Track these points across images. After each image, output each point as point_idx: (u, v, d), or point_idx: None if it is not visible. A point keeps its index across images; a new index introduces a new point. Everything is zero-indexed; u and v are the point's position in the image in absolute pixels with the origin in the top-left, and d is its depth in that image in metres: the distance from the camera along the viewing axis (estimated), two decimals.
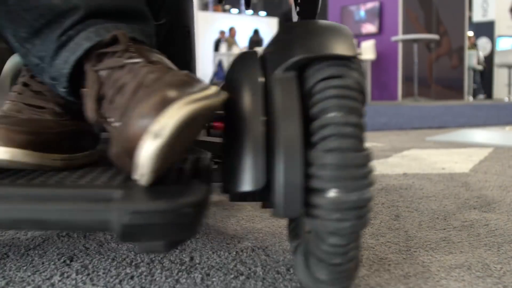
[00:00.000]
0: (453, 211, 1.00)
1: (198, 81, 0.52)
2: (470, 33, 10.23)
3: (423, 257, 0.73)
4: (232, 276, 0.65)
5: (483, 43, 11.26)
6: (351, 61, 0.55)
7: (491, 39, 11.24)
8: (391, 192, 1.19)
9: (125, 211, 0.46)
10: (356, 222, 0.49)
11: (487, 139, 2.45)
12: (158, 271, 0.67)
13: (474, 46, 10.40)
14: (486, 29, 11.24)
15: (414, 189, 1.22)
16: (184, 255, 0.73)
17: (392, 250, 0.76)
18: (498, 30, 11.22)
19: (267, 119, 0.56)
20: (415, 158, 1.79)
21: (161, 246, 0.49)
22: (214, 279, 0.65)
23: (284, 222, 0.91)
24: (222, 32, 10.65)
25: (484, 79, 10.91)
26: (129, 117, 0.48)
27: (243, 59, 0.63)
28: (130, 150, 0.48)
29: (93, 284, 0.63)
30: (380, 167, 1.59)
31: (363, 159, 0.50)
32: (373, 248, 0.77)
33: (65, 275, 0.66)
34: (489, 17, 11.28)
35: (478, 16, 11.48)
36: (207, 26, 12.38)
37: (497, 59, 9.72)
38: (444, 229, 0.87)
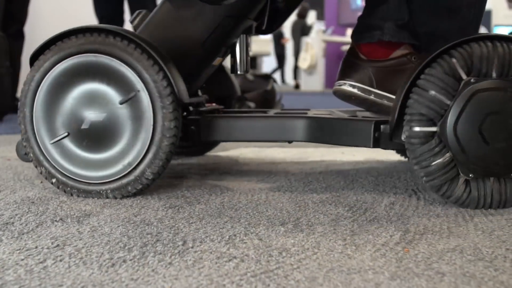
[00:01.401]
0: None
1: None
2: None
3: (416, 241, 0.73)
4: (225, 259, 0.66)
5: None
6: None
7: (488, 29, 11.23)
8: (385, 178, 1.19)
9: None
10: None
11: None
12: (151, 254, 0.67)
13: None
14: (483, 18, 11.22)
15: (408, 175, 1.23)
16: (177, 239, 0.73)
17: (385, 234, 0.76)
18: (495, 19, 11.21)
19: None
20: None
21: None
22: (206, 262, 0.65)
23: (277, 208, 0.91)
24: None
25: None
26: None
27: None
28: None
29: (87, 268, 0.63)
30: (375, 154, 1.59)
31: None
32: (367, 231, 0.77)
33: (58, 258, 0.66)
34: (486, 6, 11.25)
35: None
36: None
37: None
38: (438, 215, 0.87)
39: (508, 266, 0.64)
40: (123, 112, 0.96)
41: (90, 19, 3.23)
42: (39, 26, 5.48)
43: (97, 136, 0.97)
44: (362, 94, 1.10)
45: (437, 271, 0.62)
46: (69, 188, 0.99)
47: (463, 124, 0.87)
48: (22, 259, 0.66)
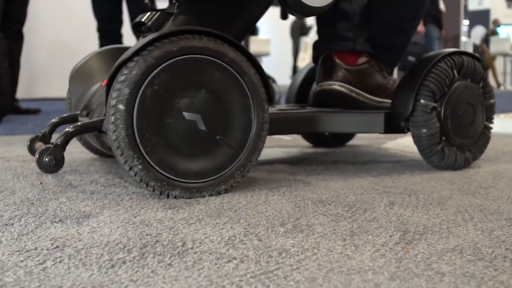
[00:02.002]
0: (447, 197, 1.00)
1: None
2: (465, 22, 10.23)
3: (415, 241, 0.73)
4: (224, 260, 0.66)
5: (479, 32, 11.25)
6: None
7: (486, 28, 11.23)
8: (385, 178, 1.19)
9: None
10: None
11: None
12: (151, 255, 0.67)
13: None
14: (482, 17, 11.23)
15: (408, 175, 1.23)
16: (176, 240, 0.73)
17: (385, 234, 0.76)
18: (493, 18, 11.20)
19: None
20: (410, 145, 1.79)
21: None
22: (206, 263, 0.65)
23: (276, 208, 0.92)
24: None
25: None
26: None
27: None
28: None
29: (86, 269, 0.63)
30: (374, 154, 1.59)
31: None
32: (366, 232, 0.77)
33: (58, 260, 0.66)
34: (485, 5, 11.26)
35: (473, 4, 11.46)
36: None
37: (492, 48, 9.73)
38: (438, 214, 0.87)
39: (507, 265, 0.64)
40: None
41: (89, 19, 3.23)
42: (38, 27, 5.48)
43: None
44: (349, 93, 1.35)
45: (437, 271, 0.62)
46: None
47: (450, 107, 1.27)
48: (22, 261, 0.66)
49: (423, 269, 0.63)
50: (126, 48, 1.43)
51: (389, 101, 1.36)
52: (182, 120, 0.97)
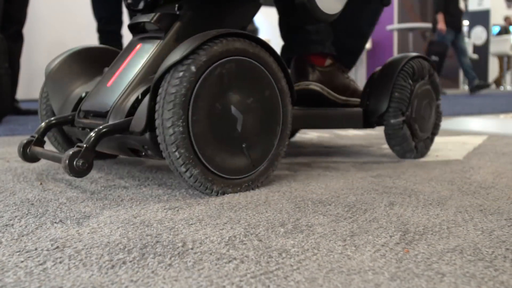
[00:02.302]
0: (447, 197, 1.00)
1: None
2: (465, 22, 10.23)
3: (416, 242, 0.73)
4: (224, 260, 0.66)
5: (478, 32, 11.26)
6: None
7: (486, 28, 11.23)
8: (385, 178, 1.19)
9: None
10: None
11: (481, 127, 2.46)
12: (151, 256, 0.67)
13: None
14: (481, 18, 11.23)
15: (408, 175, 1.23)
16: (176, 240, 0.73)
17: (385, 235, 0.76)
18: (493, 19, 11.21)
19: None
20: None
21: None
22: (206, 263, 0.65)
23: (276, 209, 0.92)
24: None
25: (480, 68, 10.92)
26: None
27: None
28: None
29: (86, 269, 0.63)
30: (374, 154, 1.59)
31: None
32: (367, 232, 0.77)
33: (58, 260, 0.66)
34: (485, 5, 11.26)
35: (473, 4, 11.46)
36: None
37: (492, 48, 9.73)
38: (438, 215, 0.87)
39: (508, 266, 0.64)
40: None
41: (89, 20, 3.23)
42: (38, 28, 5.48)
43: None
44: (323, 92, 1.48)
45: (437, 272, 0.62)
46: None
47: (416, 109, 1.46)
48: (22, 261, 0.66)
49: (423, 269, 0.63)
50: (103, 49, 1.42)
51: (354, 99, 1.54)
52: (227, 119, 1.02)
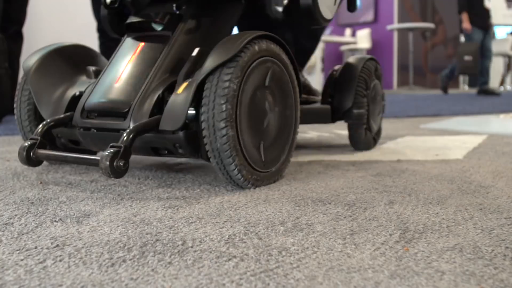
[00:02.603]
0: (447, 196, 1.00)
1: None
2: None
3: (415, 240, 0.73)
4: (224, 258, 0.66)
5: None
6: None
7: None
8: (384, 177, 1.19)
9: None
10: None
11: (481, 127, 2.46)
12: (151, 254, 0.67)
13: None
14: (482, 18, 11.21)
15: (407, 174, 1.23)
16: (176, 239, 0.73)
17: (385, 233, 0.76)
18: (494, 19, 11.20)
19: None
20: (409, 145, 1.79)
21: None
22: (206, 261, 0.65)
23: (276, 207, 0.92)
24: None
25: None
26: None
27: None
28: None
29: (86, 268, 0.63)
30: (374, 153, 1.59)
31: None
32: (366, 230, 0.77)
33: (58, 258, 0.66)
34: (485, 5, 11.25)
35: None
36: None
37: (492, 48, 9.71)
38: (437, 214, 0.87)
39: (507, 264, 0.64)
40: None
41: (89, 19, 3.23)
42: (38, 27, 5.48)
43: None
44: None
45: (437, 270, 0.62)
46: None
47: (371, 101, 1.63)
48: (22, 259, 0.66)
49: (423, 268, 0.63)
50: (78, 46, 1.38)
51: (314, 96, 1.66)
52: (259, 112, 1.10)
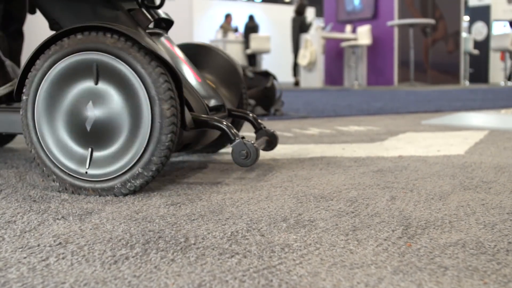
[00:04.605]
0: (449, 192, 1.00)
1: None
2: (466, 18, 10.19)
3: (418, 236, 0.73)
4: (227, 255, 0.66)
5: (479, 28, 11.23)
6: None
7: (487, 24, 11.21)
8: (386, 173, 1.19)
9: None
10: None
11: (482, 122, 2.46)
12: (154, 251, 0.67)
13: None
14: (482, 13, 11.21)
15: (409, 170, 1.22)
16: (179, 236, 0.73)
17: (387, 229, 0.76)
18: (494, 14, 11.18)
19: None
20: (411, 141, 1.79)
21: None
22: (209, 258, 0.65)
23: (278, 204, 0.91)
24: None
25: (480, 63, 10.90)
26: None
27: None
28: None
29: (89, 265, 0.63)
30: (375, 149, 1.59)
31: None
32: (369, 226, 0.77)
33: (61, 256, 0.66)
34: (485, 1, 11.24)
35: (474, 0, 11.44)
36: (203, 13, 12.29)
37: (493, 44, 9.71)
38: (440, 209, 0.87)
39: (510, 259, 0.64)
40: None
41: None
42: (39, 26, 5.48)
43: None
44: None
45: (440, 265, 0.62)
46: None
47: None
48: (25, 257, 0.66)
49: (426, 263, 0.63)
50: None
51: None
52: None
